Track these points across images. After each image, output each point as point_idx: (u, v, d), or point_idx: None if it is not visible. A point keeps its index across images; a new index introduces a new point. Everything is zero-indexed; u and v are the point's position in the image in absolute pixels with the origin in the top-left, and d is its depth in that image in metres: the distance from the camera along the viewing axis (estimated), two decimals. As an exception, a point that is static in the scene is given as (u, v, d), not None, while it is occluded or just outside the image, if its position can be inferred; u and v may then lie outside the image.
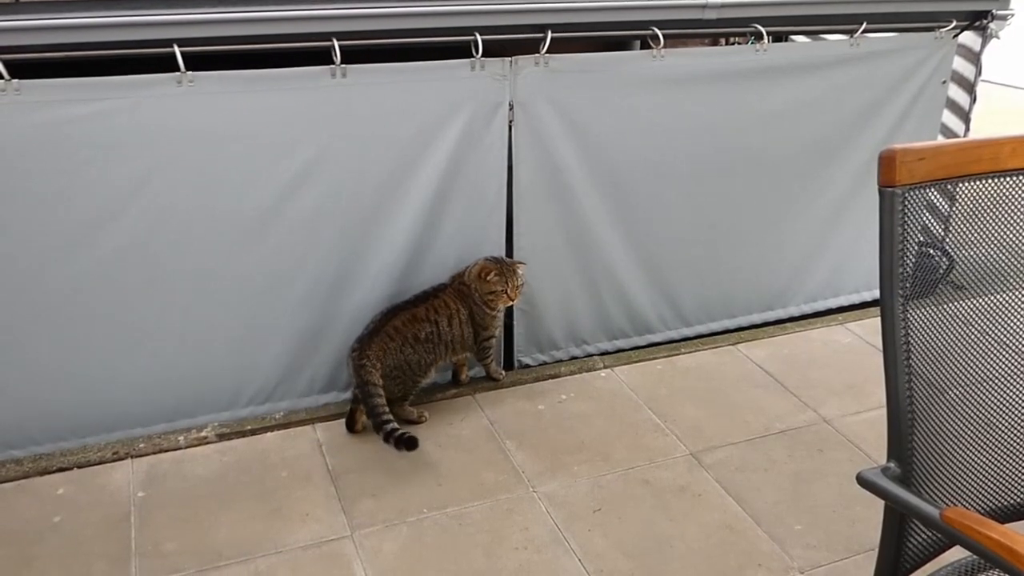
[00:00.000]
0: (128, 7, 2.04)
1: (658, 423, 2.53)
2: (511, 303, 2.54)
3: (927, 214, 1.09)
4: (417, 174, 2.43)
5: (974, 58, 3.05)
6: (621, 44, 2.92)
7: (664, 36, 2.50)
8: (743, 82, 2.71)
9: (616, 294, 2.85)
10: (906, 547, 1.16)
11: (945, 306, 1.12)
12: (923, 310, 1.10)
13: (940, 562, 1.22)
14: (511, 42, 2.40)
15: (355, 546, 2.02)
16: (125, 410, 2.37)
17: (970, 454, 1.17)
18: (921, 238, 1.08)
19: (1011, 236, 1.17)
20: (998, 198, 1.15)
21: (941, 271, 1.22)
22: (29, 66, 2.00)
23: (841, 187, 3.03)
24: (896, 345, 1.08)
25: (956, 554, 1.17)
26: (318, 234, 2.39)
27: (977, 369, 1.16)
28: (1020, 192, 1.15)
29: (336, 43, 2.18)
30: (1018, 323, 1.19)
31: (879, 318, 1.10)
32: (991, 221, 1.16)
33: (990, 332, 1.17)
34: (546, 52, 2.40)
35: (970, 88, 3.10)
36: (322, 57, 2.20)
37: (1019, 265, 1.18)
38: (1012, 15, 2.98)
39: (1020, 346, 1.19)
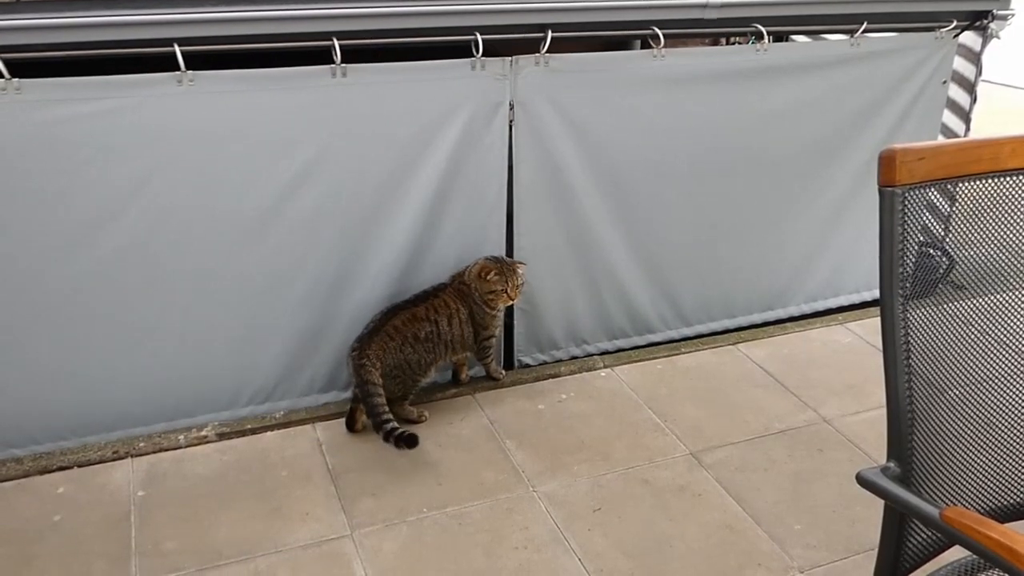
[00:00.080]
0: (128, 6, 2.03)
1: (658, 423, 2.53)
2: (511, 302, 2.54)
3: (927, 214, 1.09)
4: (417, 174, 2.43)
5: (974, 58, 3.05)
6: (621, 44, 2.92)
7: (664, 36, 2.50)
8: (743, 82, 2.71)
9: (616, 294, 2.85)
10: (906, 547, 1.16)
11: (945, 306, 1.12)
12: (923, 310, 1.10)
13: (940, 562, 1.22)
14: (511, 42, 2.40)
15: (355, 545, 2.02)
16: (125, 409, 2.37)
17: (970, 454, 1.17)
18: (921, 238, 1.08)
19: (1011, 236, 1.17)
20: (998, 198, 1.15)
21: (941, 271, 1.22)
22: (29, 65, 2.00)
23: (841, 187, 3.03)
24: (896, 345, 1.08)
25: (956, 554, 1.17)
26: (318, 234, 2.39)
27: (977, 369, 1.16)
28: (1020, 192, 1.15)
29: (336, 43, 2.18)
30: (1018, 323, 1.19)
31: (879, 318, 1.10)
32: (991, 221, 1.16)
33: (990, 332, 1.17)
34: (546, 52, 2.40)
35: (970, 88, 3.10)
36: (322, 57, 2.20)
37: (1019, 265, 1.18)
38: (1012, 15, 2.98)
39: (1020, 346, 1.19)
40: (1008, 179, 1.14)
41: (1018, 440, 1.21)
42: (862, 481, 1.12)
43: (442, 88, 2.36)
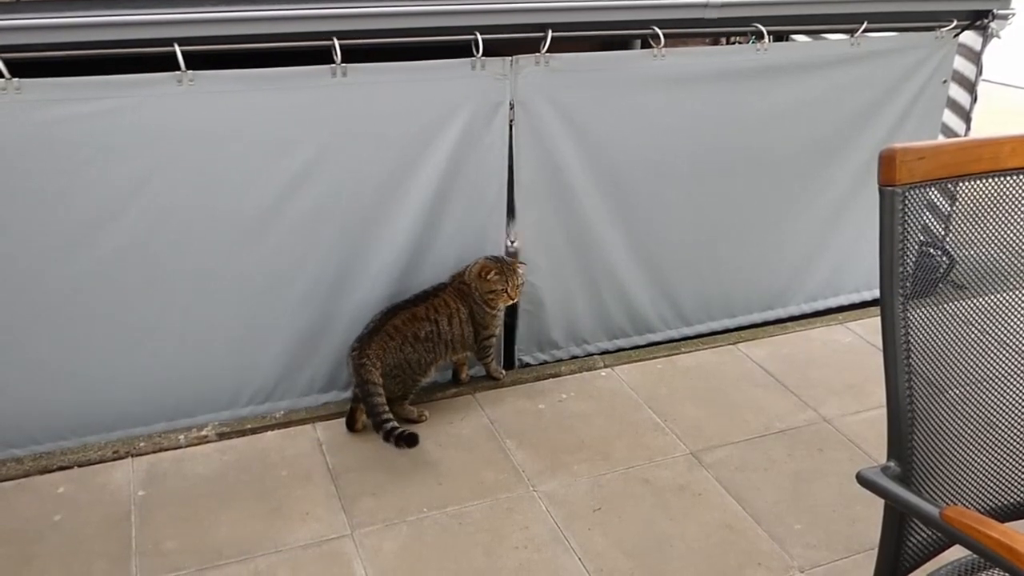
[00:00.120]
0: (129, 6, 2.03)
1: (658, 422, 2.53)
2: (511, 302, 2.54)
3: (927, 213, 1.09)
4: (417, 174, 2.42)
5: (975, 58, 3.05)
6: (622, 43, 2.92)
7: (665, 35, 2.50)
8: (744, 81, 2.71)
9: (616, 293, 2.85)
10: (906, 546, 1.16)
11: (945, 305, 1.12)
12: (923, 309, 1.10)
13: (940, 561, 1.22)
14: (512, 41, 2.40)
15: (355, 545, 2.02)
16: (125, 409, 2.37)
17: (970, 453, 1.17)
18: (922, 237, 1.08)
19: (1011, 236, 1.17)
20: (998, 197, 1.15)
21: (941, 270, 1.22)
22: (29, 65, 2.00)
23: (842, 186, 3.03)
24: (896, 344, 1.08)
25: (956, 553, 1.17)
26: (318, 233, 2.39)
27: (977, 368, 1.16)
28: (1020, 191, 1.15)
29: (336, 42, 2.18)
30: (1018, 322, 1.19)
31: (879, 317, 1.10)
32: (991, 220, 1.16)
33: (990, 331, 1.17)
34: (547, 51, 2.40)
35: (971, 88, 3.10)
36: (323, 56, 2.20)
37: (1019, 264, 1.18)
38: (1013, 15, 2.98)
39: (1020, 345, 1.19)
40: (1008, 178, 1.14)
41: (1018, 439, 1.21)
42: (862, 480, 1.12)
43: (442, 88, 2.36)
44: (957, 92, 3.12)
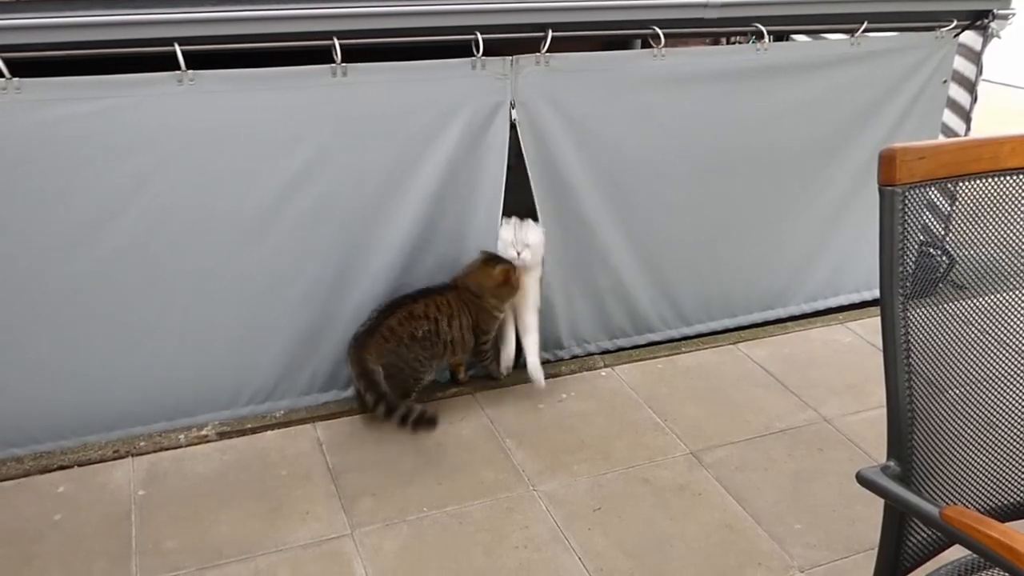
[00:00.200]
0: (129, 5, 2.03)
1: (658, 422, 2.53)
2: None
3: (927, 213, 1.09)
4: (417, 173, 2.42)
5: (975, 58, 3.04)
6: (622, 43, 2.92)
7: (665, 35, 2.50)
8: (744, 81, 2.71)
9: (617, 293, 2.85)
10: (906, 546, 1.16)
11: (945, 305, 1.12)
12: (923, 309, 1.10)
13: (940, 561, 1.22)
14: (512, 41, 2.40)
15: (355, 544, 2.02)
16: (125, 409, 2.37)
17: (970, 453, 1.17)
18: (922, 237, 1.08)
19: (1011, 235, 1.17)
20: (998, 197, 1.15)
21: (941, 270, 1.22)
22: (30, 64, 2.00)
23: (842, 186, 3.03)
24: (896, 344, 1.08)
25: (956, 553, 1.17)
26: (318, 233, 2.39)
27: (977, 368, 1.16)
28: (1020, 191, 1.15)
29: (337, 42, 2.18)
30: (1018, 322, 1.19)
31: (879, 317, 1.10)
32: (991, 220, 1.16)
33: (990, 331, 1.17)
34: (547, 51, 2.40)
35: (971, 88, 3.10)
36: (323, 56, 2.20)
37: (1019, 264, 1.18)
38: (1013, 15, 2.98)
39: (1020, 345, 1.19)
40: (1008, 178, 1.14)
41: (1018, 439, 1.21)
42: (862, 480, 1.12)
43: (443, 88, 2.36)
44: (957, 92, 3.12)
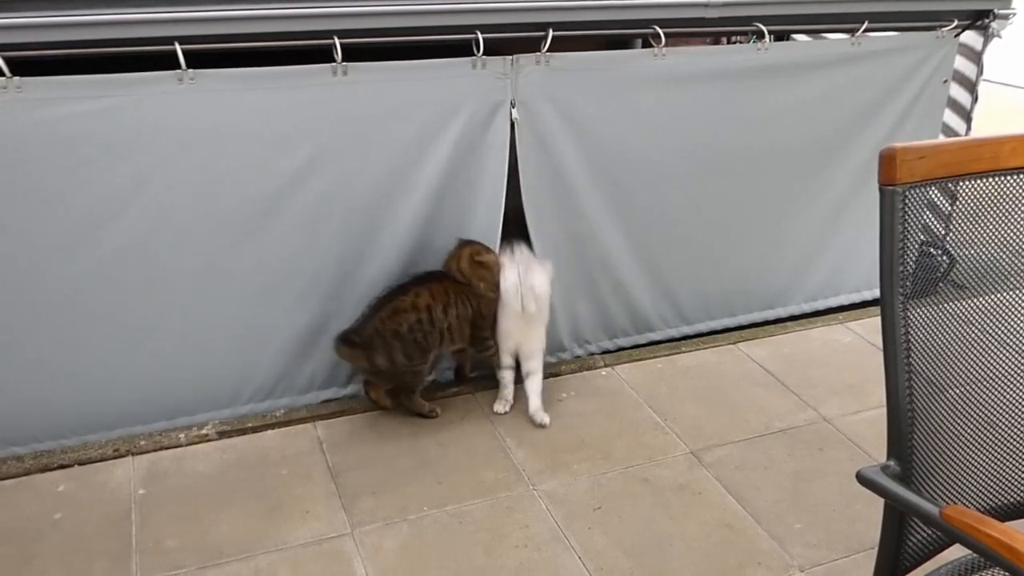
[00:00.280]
0: (130, 4, 2.03)
1: (658, 421, 2.53)
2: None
3: (928, 213, 1.09)
4: (418, 172, 2.42)
5: (976, 57, 3.05)
6: (623, 43, 2.92)
7: (666, 35, 2.50)
8: (744, 81, 2.71)
9: (617, 292, 2.85)
10: (906, 545, 1.16)
11: (946, 305, 1.12)
12: (924, 309, 1.10)
13: (940, 560, 1.22)
14: (512, 40, 2.40)
15: (355, 544, 2.02)
16: (126, 408, 2.37)
17: (970, 452, 1.17)
18: (922, 237, 1.09)
19: (1012, 235, 1.17)
20: (999, 197, 1.15)
21: (942, 270, 1.22)
22: (30, 63, 2.00)
23: (842, 186, 3.03)
24: (896, 344, 1.08)
25: (956, 552, 1.17)
26: (318, 232, 2.39)
27: (977, 368, 1.16)
28: (1021, 191, 1.15)
29: (337, 41, 2.18)
30: (1019, 322, 1.19)
31: (879, 317, 1.10)
32: (992, 220, 1.16)
33: (991, 331, 1.17)
34: (547, 51, 2.40)
35: (972, 87, 3.10)
36: (323, 55, 2.20)
37: (1020, 264, 1.18)
38: (1014, 14, 2.98)
39: (1020, 345, 1.19)
40: (1009, 178, 1.14)
41: (1018, 439, 1.21)
42: (862, 480, 1.12)
43: (443, 87, 2.36)
44: (958, 92, 3.12)
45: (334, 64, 2.21)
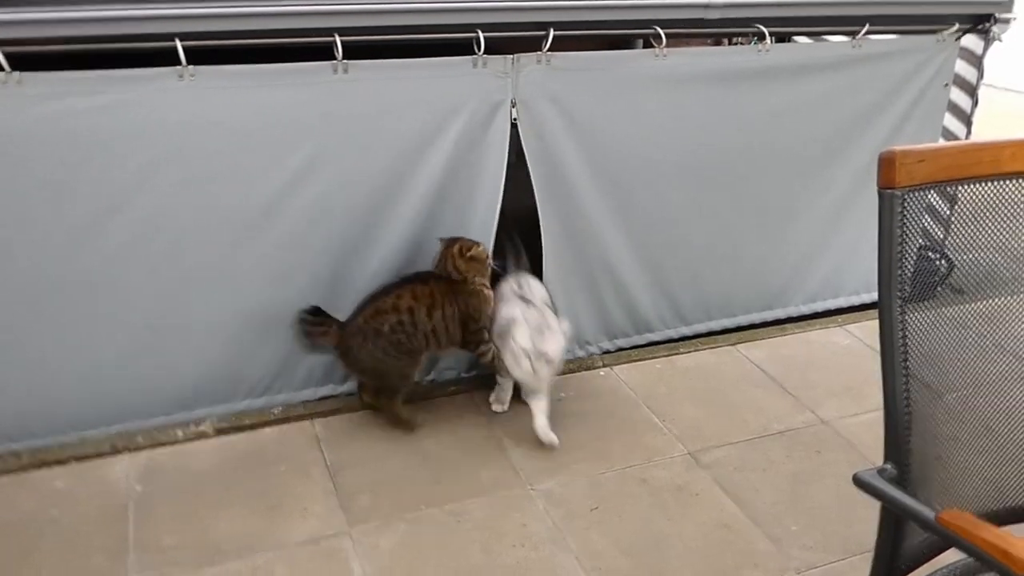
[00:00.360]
0: (130, 0, 2.03)
1: (656, 422, 2.53)
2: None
3: (927, 217, 1.09)
4: (418, 171, 2.42)
5: (976, 61, 3.04)
6: (624, 43, 2.92)
7: (667, 35, 2.50)
8: (745, 82, 2.71)
9: (617, 292, 2.84)
10: (902, 549, 1.16)
11: (944, 309, 1.12)
12: (921, 313, 1.10)
13: (936, 564, 1.22)
14: (513, 40, 2.40)
15: (352, 542, 2.02)
16: (123, 403, 2.37)
17: (967, 457, 1.17)
18: (921, 241, 1.09)
19: (1011, 240, 1.17)
20: (998, 202, 1.15)
21: (940, 274, 1.22)
22: (30, 59, 1.99)
23: (842, 188, 3.03)
24: (894, 347, 1.08)
25: (952, 556, 1.17)
26: (318, 229, 2.38)
27: (974, 372, 1.16)
28: (1020, 196, 1.15)
29: (338, 39, 2.18)
30: (1016, 327, 1.19)
31: (878, 320, 1.10)
32: (991, 225, 1.16)
33: (988, 336, 1.17)
34: (548, 50, 2.40)
35: (972, 91, 3.10)
36: (324, 53, 2.20)
37: (1018, 269, 1.18)
38: (1014, 19, 2.98)
39: (1018, 350, 1.19)
40: (1008, 183, 1.14)
41: (1015, 443, 1.21)
42: (859, 483, 1.12)
43: (444, 85, 2.36)
44: (958, 96, 3.12)
45: (335, 62, 2.20)
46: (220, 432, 2.41)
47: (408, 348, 2.36)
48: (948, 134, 3.17)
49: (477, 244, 2.41)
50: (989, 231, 1.16)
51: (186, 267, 2.29)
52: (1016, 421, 1.21)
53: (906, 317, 1.08)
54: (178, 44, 2.05)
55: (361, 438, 2.41)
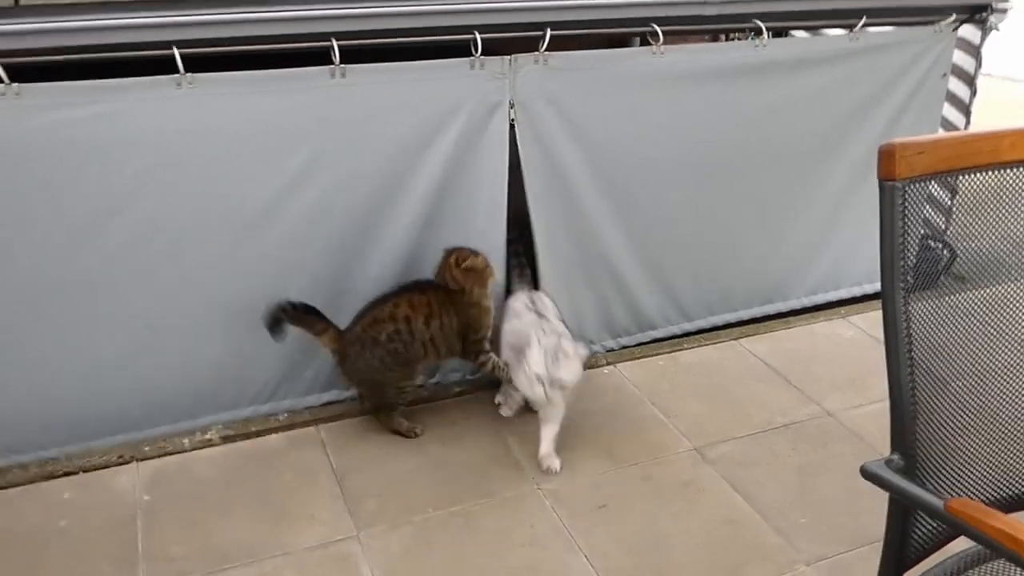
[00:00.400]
0: (127, 9, 2.04)
1: (661, 419, 2.53)
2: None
3: (928, 207, 1.09)
4: (417, 174, 2.43)
5: (974, 51, 3.05)
6: (621, 41, 2.92)
7: (664, 33, 2.50)
8: (743, 78, 2.71)
9: (619, 290, 2.85)
10: (911, 538, 1.16)
11: (947, 298, 1.12)
12: (925, 302, 1.10)
13: (945, 553, 1.22)
14: (510, 40, 2.40)
15: (361, 546, 2.03)
16: (129, 412, 2.37)
17: (974, 445, 1.17)
18: (923, 230, 1.09)
19: (1012, 228, 1.18)
20: (999, 190, 1.15)
21: (943, 263, 1.22)
22: (28, 69, 2.00)
23: (842, 180, 3.03)
24: (898, 337, 1.08)
25: (961, 544, 1.17)
26: (318, 234, 2.39)
27: (979, 360, 1.16)
28: (1020, 184, 1.16)
29: (335, 43, 2.18)
30: (1020, 314, 1.19)
31: (881, 311, 1.10)
32: (992, 213, 1.16)
33: (992, 323, 1.17)
34: (545, 50, 2.40)
35: (970, 81, 3.10)
36: (322, 57, 2.20)
37: (1020, 256, 1.18)
38: (1011, 8, 2.98)
39: (1022, 336, 1.19)
40: (1008, 171, 1.14)
41: (1021, 430, 1.21)
42: (866, 474, 1.12)
43: (441, 87, 2.36)
44: (956, 86, 3.12)
45: (332, 66, 2.21)
46: (226, 440, 2.41)
47: (406, 358, 2.34)
48: (947, 124, 3.17)
49: (476, 254, 2.37)
50: (991, 219, 1.16)
51: (187, 273, 2.29)
52: (1022, 407, 1.21)
53: (910, 307, 1.08)
54: (175, 52, 2.06)
55: (366, 442, 2.41)
